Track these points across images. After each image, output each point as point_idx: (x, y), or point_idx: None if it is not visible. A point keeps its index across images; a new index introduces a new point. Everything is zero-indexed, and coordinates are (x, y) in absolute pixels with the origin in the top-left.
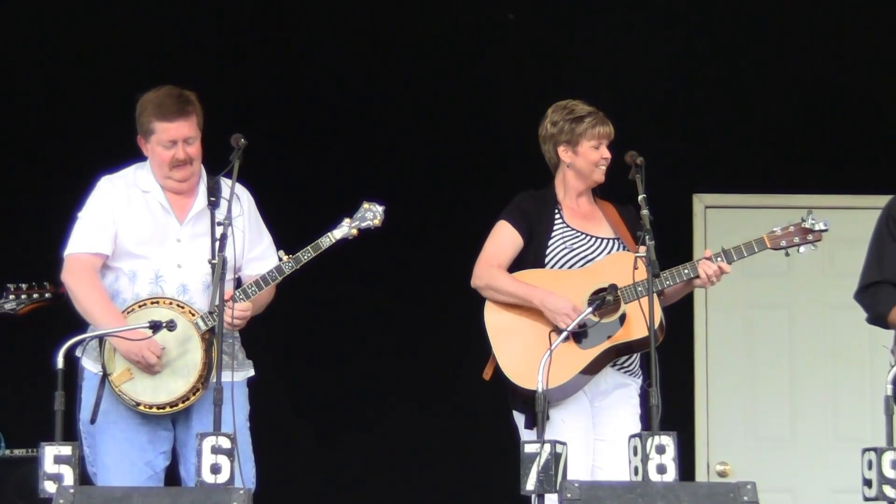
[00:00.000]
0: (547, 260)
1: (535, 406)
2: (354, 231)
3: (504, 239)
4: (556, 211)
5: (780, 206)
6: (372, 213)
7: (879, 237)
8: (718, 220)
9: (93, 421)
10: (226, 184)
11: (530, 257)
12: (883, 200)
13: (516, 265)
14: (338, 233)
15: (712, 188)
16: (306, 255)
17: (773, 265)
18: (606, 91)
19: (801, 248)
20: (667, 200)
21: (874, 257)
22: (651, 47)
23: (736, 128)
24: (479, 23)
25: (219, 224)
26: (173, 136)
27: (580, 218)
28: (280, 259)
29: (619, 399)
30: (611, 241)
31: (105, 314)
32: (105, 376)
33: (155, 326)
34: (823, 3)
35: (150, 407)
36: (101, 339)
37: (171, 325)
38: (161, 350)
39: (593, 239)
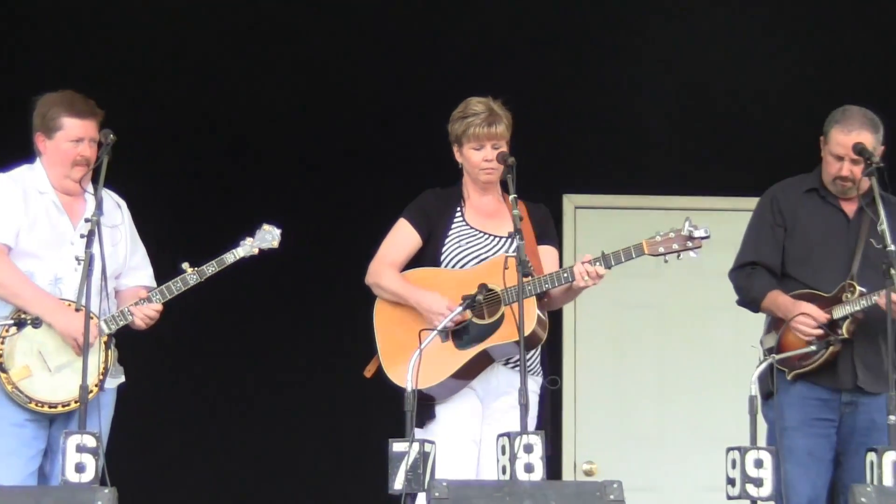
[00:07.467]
0: (442, 258)
1: (416, 404)
2: (255, 250)
3: (401, 238)
4: (459, 209)
5: (650, 207)
6: (271, 236)
7: (760, 220)
8: (589, 220)
9: None
10: (106, 192)
11: (428, 256)
12: (751, 203)
13: (416, 263)
14: (241, 251)
15: (582, 188)
16: (210, 268)
17: (644, 265)
18: (481, 89)
19: (681, 255)
20: (537, 200)
21: (752, 238)
22: (532, 47)
23: (607, 128)
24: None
25: (86, 220)
26: (81, 133)
27: (483, 216)
28: (185, 271)
29: (513, 401)
30: (509, 240)
31: (38, 294)
32: None
33: (19, 323)
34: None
35: (42, 405)
36: None
37: (35, 323)
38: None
39: (490, 237)
